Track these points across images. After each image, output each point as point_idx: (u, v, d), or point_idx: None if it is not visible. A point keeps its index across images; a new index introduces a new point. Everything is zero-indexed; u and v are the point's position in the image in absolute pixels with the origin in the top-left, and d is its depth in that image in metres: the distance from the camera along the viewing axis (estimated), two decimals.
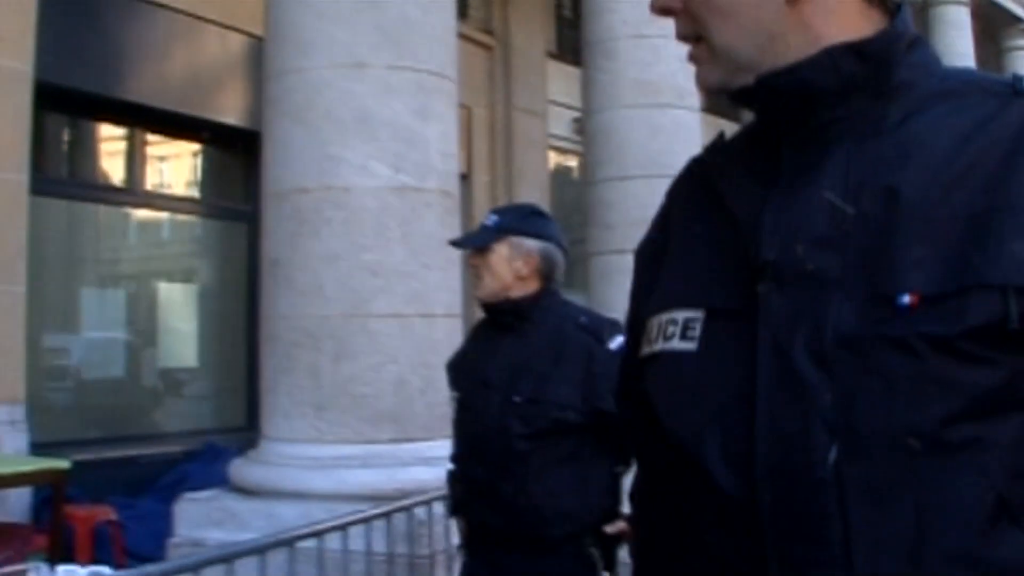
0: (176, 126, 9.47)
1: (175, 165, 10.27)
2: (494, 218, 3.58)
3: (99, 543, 7.00)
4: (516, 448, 3.32)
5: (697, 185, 1.41)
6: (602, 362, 3.20)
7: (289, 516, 4.53)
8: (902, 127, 1.27)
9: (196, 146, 10.14)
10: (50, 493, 6.57)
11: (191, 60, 9.38)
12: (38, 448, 7.37)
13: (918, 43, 1.33)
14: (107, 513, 7.18)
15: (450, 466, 3.64)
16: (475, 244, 3.56)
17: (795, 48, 1.29)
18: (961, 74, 1.35)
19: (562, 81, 13.27)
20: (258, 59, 7.48)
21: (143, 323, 9.76)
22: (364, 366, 4.85)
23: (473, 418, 3.48)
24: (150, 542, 6.59)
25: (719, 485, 1.27)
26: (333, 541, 4.02)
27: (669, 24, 1.36)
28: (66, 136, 9.23)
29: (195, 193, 10.16)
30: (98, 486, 7.80)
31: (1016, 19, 20.36)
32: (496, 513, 3.37)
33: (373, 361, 4.83)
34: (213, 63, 9.60)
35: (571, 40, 13.52)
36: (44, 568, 5.07)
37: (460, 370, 3.64)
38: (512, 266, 3.47)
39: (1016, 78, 1.29)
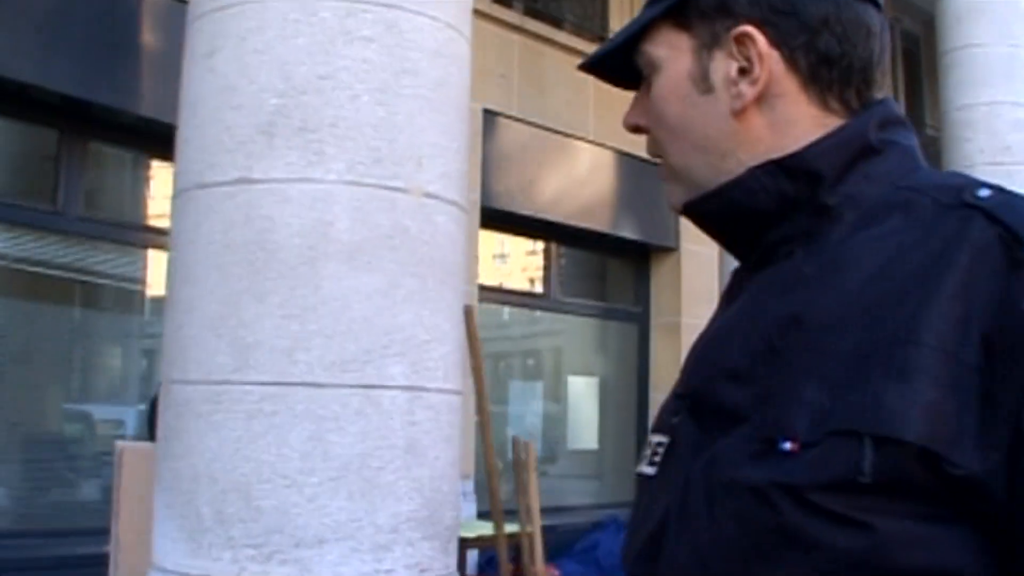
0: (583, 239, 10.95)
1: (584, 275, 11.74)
2: None
3: None
4: None
5: None
6: None
7: None
8: (835, 247, 1.13)
9: (596, 257, 11.62)
10: (492, 555, 7.85)
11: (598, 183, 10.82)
12: (482, 516, 8.53)
13: (880, 150, 1.18)
14: (553, 571, 8.60)
15: None
16: None
17: (746, 163, 1.19)
18: (922, 180, 1.15)
19: None
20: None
21: (555, 411, 11.28)
22: None
23: None
24: None
25: None
26: None
27: None
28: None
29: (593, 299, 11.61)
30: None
31: None
32: None
33: None
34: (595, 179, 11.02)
35: None
36: None
37: None
38: None
39: (966, 184, 1.11)
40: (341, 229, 3.27)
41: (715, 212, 1.21)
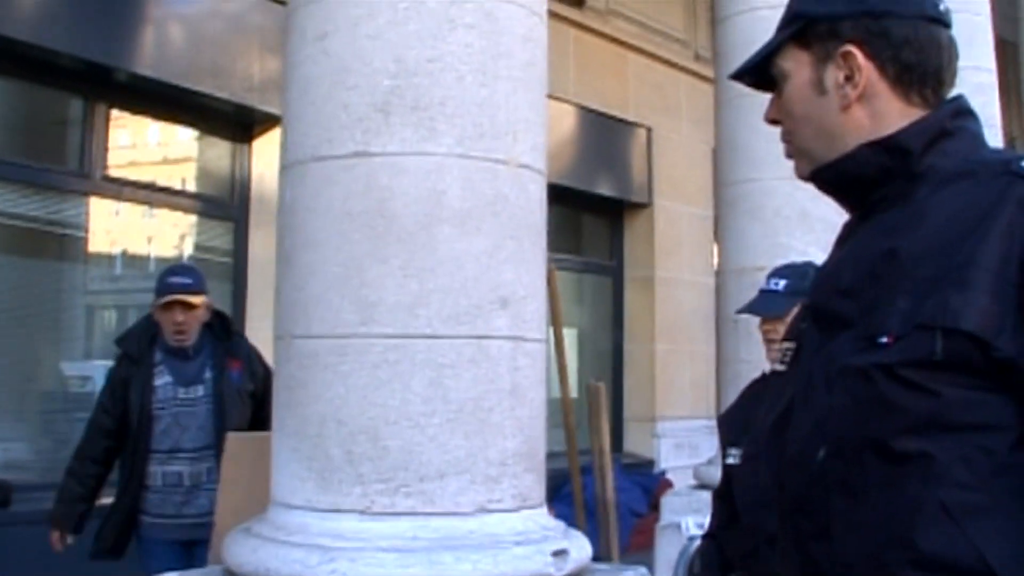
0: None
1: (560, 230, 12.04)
2: (782, 282, 3.56)
3: None
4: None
5: None
6: None
7: None
8: (921, 203, 1.57)
9: (572, 213, 11.99)
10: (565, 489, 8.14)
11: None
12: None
13: (953, 133, 1.63)
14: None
15: None
16: (773, 312, 3.52)
17: (852, 145, 1.66)
18: (982, 157, 1.61)
19: None
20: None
21: None
22: None
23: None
24: None
25: (766, 474, 1.75)
26: None
27: None
28: None
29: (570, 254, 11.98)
30: None
31: None
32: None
33: None
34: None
35: None
36: None
37: (744, 425, 3.42)
38: None
39: (1012, 158, 1.56)
40: (452, 197, 3.64)
41: (833, 179, 1.70)
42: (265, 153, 8.17)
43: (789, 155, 1.78)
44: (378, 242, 3.62)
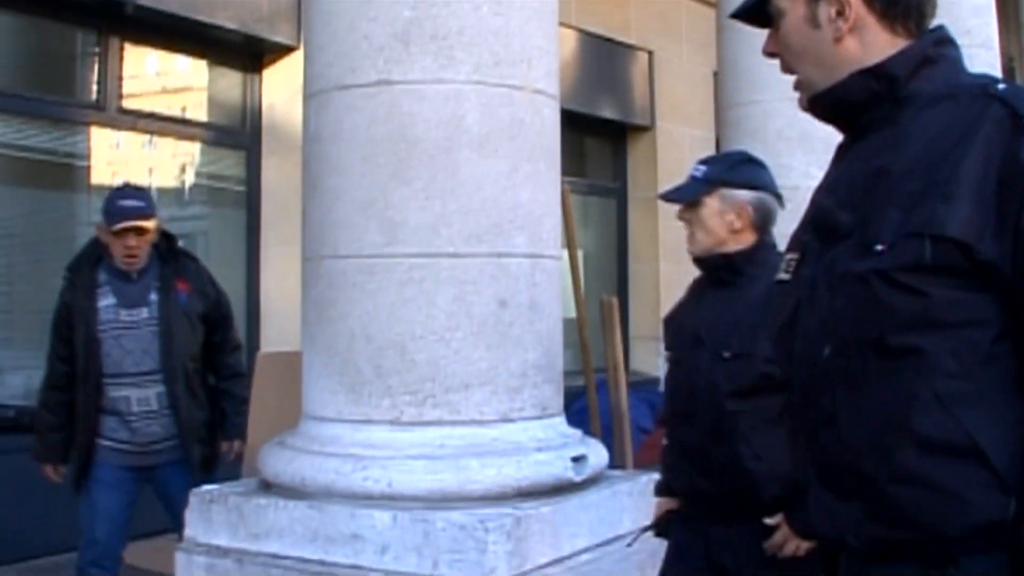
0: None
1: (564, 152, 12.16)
2: (702, 169, 3.31)
3: None
4: (725, 408, 3.11)
5: None
6: None
7: None
8: (907, 124, 1.73)
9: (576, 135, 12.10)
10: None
11: None
12: None
13: (935, 60, 1.78)
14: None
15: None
16: (684, 198, 3.30)
17: (846, 72, 1.81)
18: (963, 81, 1.77)
19: None
20: None
21: None
22: None
23: (684, 377, 3.27)
24: None
25: (778, 370, 2.00)
26: None
27: None
28: None
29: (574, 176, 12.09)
30: None
31: None
32: (706, 477, 3.17)
33: None
34: None
35: None
36: None
37: (673, 327, 3.42)
38: (724, 220, 3.21)
39: (988, 82, 1.73)
40: (471, 122, 3.82)
41: (829, 104, 1.83)
42: (275, 83, 8.28)
43: (796, 86, 1.92)
44: (401, 166, 3.80)
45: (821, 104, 1.85)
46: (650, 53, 11.94)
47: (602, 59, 11.32)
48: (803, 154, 6.72)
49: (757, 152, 7.23)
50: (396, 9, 3.83)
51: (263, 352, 4.95)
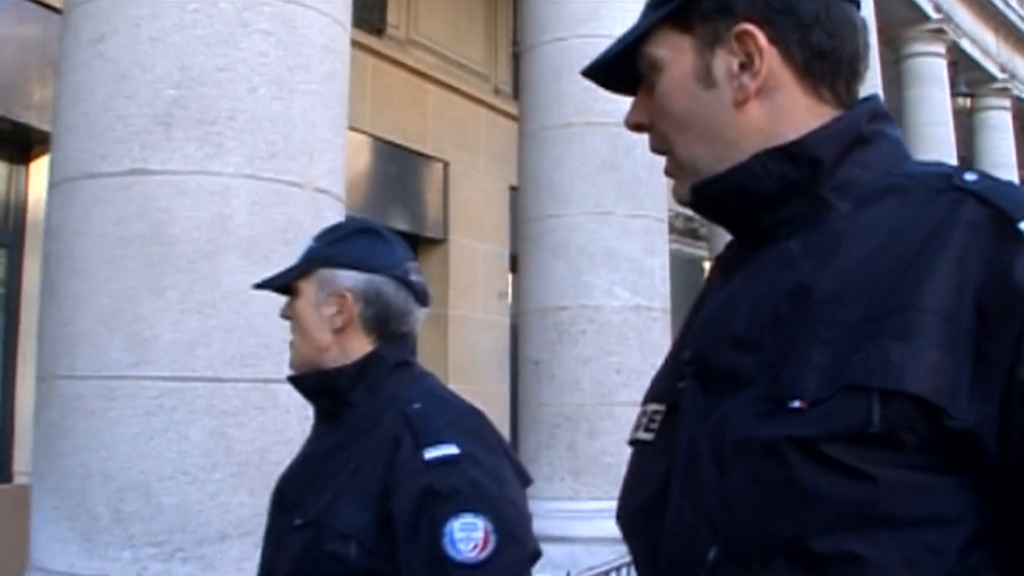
0: None
1: None
2: (308, 244, 2.31)
3: None
4: None
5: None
6: (400, 477, 1.97)
7: (557, 555, 6.01)
8: (836, 226, 1.22)
9: None
10: None
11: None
12: None
13: (871, 139, 1.28)
14: None
15: None
16: (273, 284, 2.34)
17: (749, 151, 1.27)
18: (912, 169, 1.27)
19: None
20: None
21: None
22: (611, 442, 6.36)
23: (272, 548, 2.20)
24: None
25: (639, 572, 1.30)
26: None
27: None
28: None
29: None
30: None
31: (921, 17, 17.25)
32: None
33: (618, 438, 6.31)
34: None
35: None
36: None
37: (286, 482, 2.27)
38: (321, 313, 2.19)
39: (951, 171, 1.22)
40: (240, 223, 3.26)
41: (721, 195, 1.29)
42: (43, 175, 7.53)
43: (668, 171, 1.35)
44: (154, 271, 3.21)
45: (709, 194, 1.30)
46: (446, 164, 11.60)
47: (396, 168, 10.94)
48: (607, 272, 6.34)
49: (559, 270, 6.91)
50: (158, 86, 3.26)
51: None
